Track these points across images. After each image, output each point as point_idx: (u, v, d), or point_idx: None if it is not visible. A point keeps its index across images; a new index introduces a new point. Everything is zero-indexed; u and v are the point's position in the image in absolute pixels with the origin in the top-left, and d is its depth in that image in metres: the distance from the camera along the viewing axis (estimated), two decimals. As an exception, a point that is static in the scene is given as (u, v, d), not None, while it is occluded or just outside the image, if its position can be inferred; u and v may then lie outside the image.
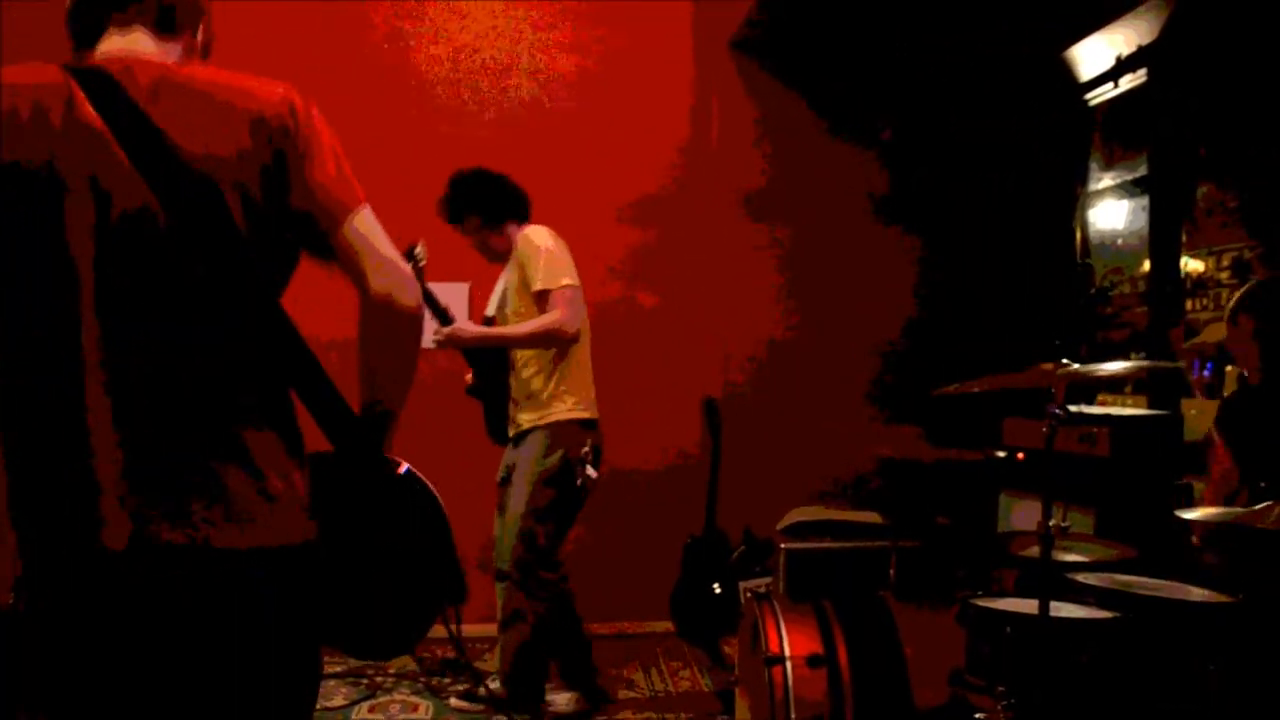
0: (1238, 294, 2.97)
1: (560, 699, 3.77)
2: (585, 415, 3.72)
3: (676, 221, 5.06)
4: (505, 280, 3.82)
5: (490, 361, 3.82)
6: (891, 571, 3.41)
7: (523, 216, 3.83)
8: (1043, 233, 5.02)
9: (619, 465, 4.95)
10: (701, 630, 4.62)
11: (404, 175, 4.46)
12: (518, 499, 3.64)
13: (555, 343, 3.63)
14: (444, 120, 4.93)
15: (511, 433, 3.80)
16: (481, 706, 3.86)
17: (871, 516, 4.13)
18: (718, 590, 4.59)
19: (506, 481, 3.79)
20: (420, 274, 3.31)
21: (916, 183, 5.20)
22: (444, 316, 3.56)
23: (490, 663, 4.33)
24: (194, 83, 1.46)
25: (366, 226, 1.52)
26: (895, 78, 5.06)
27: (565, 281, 3.60)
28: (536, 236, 3.68)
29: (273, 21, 4.75)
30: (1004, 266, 5.10)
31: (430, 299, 3.39)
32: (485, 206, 3.78)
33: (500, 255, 3.85)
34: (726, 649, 4.36)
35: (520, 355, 3.74)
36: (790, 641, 2.93)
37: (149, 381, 1.37)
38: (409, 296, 1.51)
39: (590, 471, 3.68)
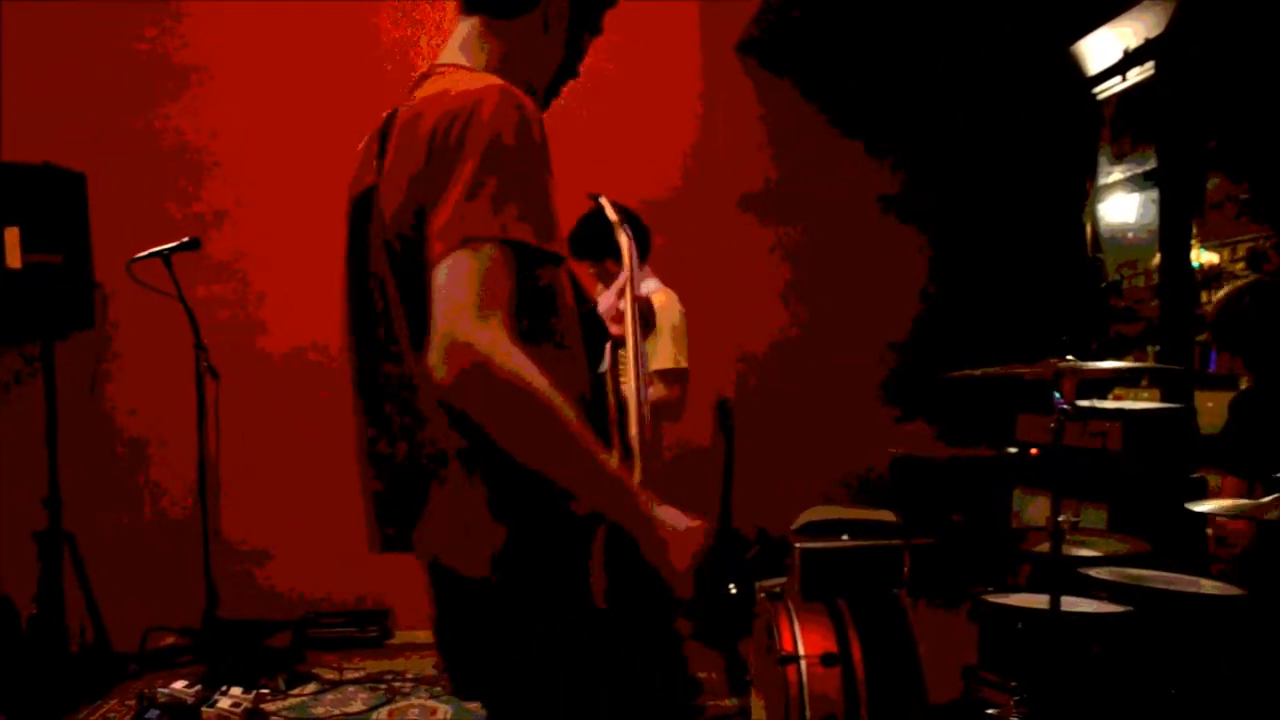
0: (1212, 310, 2.95)
1: None
2: None
3: (685, 224, 5.06)
4: None
5: None
6: (905, 569, 3.40)
7: (646, 251, 3.89)
8: (1053, 228, 5.01)
9: (632, 467, 4.95)
10: (717, 631, 4.62)
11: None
12: None
13: (666, 418, 3.71)
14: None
15: None
16: None
17: (886, 515, 4.12)
18: (733, 591, 4.60)
19: None
20: None
21: (925, 181, 5.20)
22: None
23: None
24: (415, 105, 1.43)
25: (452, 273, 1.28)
26: (903, 76, 5.06)
27: (685, 365, 3.70)
28: (672, 311, 3.74)
29: (277, 29, 4.82)
30: (1015, 262, 5.09)
31: None
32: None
33: (612, 278, 3.87)
34: (743, 649, 4.37)
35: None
36: (804, 640, 2.95)
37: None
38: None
39: None
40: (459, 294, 1.26)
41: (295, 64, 4.85)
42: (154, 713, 3.59)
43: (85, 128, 4.67)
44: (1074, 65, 4.74)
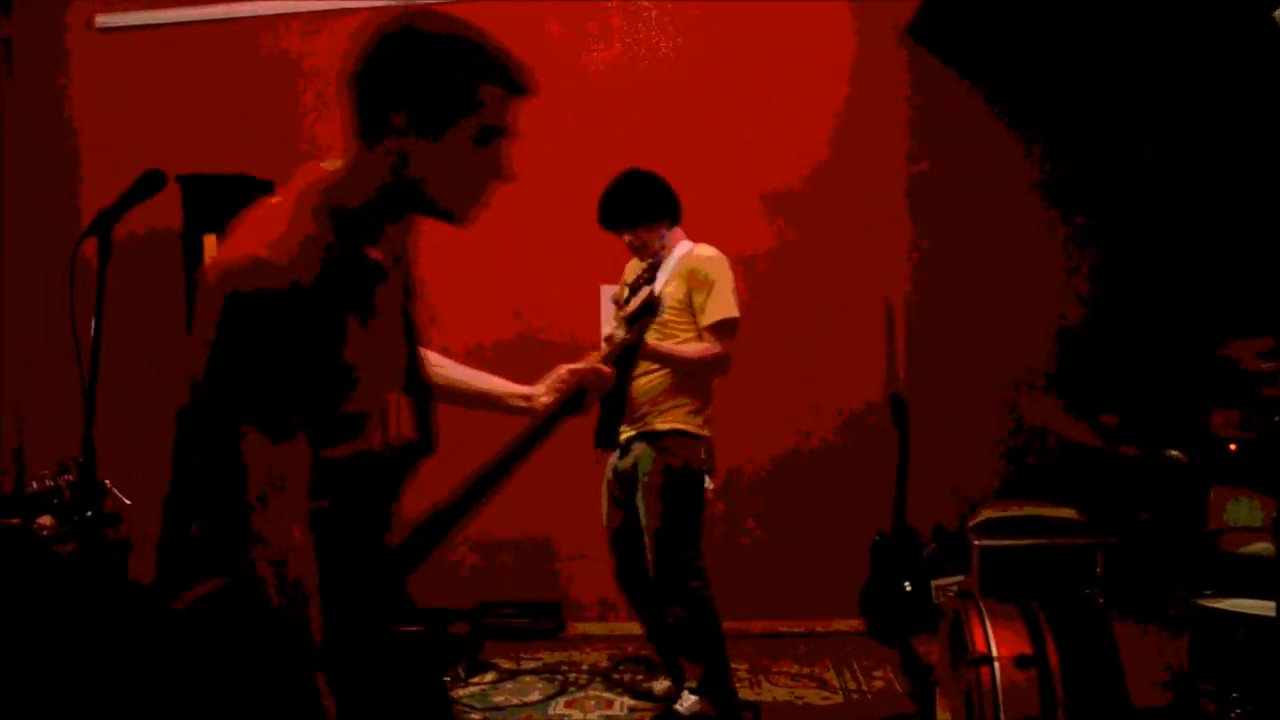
0: None
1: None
2: (699, 431, 3.68)
3: (846, 214, 5.00)
4: (660, 289, 3.68)
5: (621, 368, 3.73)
6: (1098, 569, 3.29)
7: (677, 218, 3.80)
8: (1242, 212, 4.75)
9: (805, 462, 4.95)
10: (893, 629, 4.55)
11: (575, 177, 4.48)
12: (650, 514, 3.62)
13: (718, 372, 3.65)
14: (612, 120, 4.99)
15: (623, 439, 3.71)
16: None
17: (1067, 512, 4.00)
18: (909, 588, 4.52)
19: (620, 486, 3.76)
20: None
21: (1098, 165, 5.00)
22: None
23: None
24: None
25: None
26: (1078, 62, 4.87)
27: (737, 315, 3.60)
28: (718, 264, 3.67)
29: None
30: (1200, 244, 4.84)
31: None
32: (653, 209, 3.75)
33: (649, 254, 3.72)
34: (918, 648, 4.30)
35: (647, 364, 3.65)
36: (997, 641, 2.87)
37: None
38: None
39: (709, 483, 3.66)
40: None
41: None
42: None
43: (268, 139, 4.89)
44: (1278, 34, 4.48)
